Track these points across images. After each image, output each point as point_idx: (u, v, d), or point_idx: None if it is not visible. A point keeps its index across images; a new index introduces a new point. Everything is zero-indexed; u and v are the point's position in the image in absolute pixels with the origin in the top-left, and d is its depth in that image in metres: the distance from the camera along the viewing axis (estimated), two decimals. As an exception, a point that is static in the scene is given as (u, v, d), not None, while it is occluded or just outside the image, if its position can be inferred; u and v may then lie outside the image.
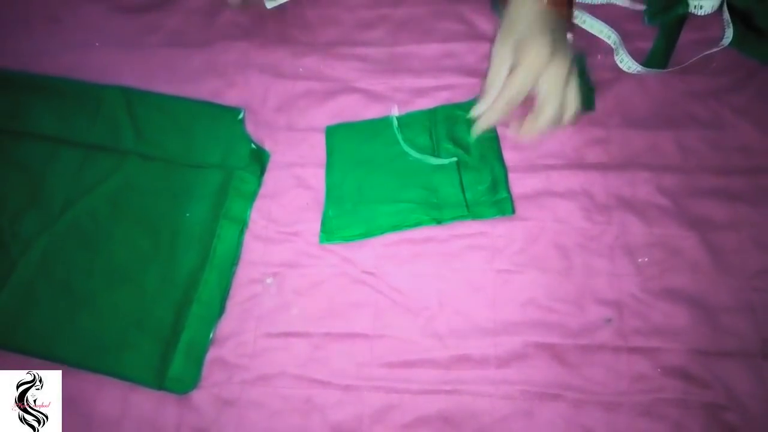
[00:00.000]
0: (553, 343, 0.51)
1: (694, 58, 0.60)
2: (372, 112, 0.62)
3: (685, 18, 0.63)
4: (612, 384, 0.50)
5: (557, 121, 0.54)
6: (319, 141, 0.61)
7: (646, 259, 0.54)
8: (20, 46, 0.69)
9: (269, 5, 0.65)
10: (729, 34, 0.61)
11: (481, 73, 0.62)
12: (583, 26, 0.64)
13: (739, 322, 0.51)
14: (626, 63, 0.61)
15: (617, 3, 0.65)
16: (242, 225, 0.58)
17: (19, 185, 0.60)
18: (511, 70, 0.54)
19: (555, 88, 0.53)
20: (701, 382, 0.49)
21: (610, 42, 0.62)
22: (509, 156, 0.58)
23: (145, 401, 0.52)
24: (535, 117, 0.54)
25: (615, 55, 0.62)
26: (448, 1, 0.67)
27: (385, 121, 0.61)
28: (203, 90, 0.64)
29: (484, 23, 0.65)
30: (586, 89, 0.58)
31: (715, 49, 0.61)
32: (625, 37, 0.62)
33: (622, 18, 0.64)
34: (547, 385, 0.50)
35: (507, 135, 0.59)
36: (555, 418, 0.49)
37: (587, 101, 0.59)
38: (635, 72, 0.61)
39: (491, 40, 0.63)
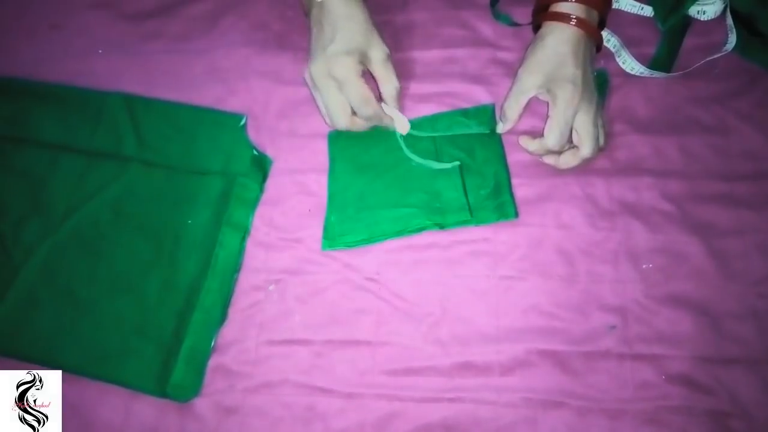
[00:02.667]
0: (556, 350, 0.51)
1: (698, 63, 0.60)
2: (374, 117, 0.62)
3: (688, 23, 0.63)
4: (616, 391, 0.50)
5: (594, 154, 0.56)
6: (321, 147, 0.61)
7: (651, 266, 0.53)
8: (22, 53, 0.69)
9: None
10: (732, 39, 0.61)
11: (483, 80, 0.62)
12: None
13: (744, 328, 0.51)
14: (629, 64, 0.61)
15: (625, 9, 0.65)
16: (244, 232, 0.57)
17: (21, 192, 0.60)
18: (536, 96, 0.57)
19: (589, 126, 0.55)
20: (706, 389, 0.49)
21: (609, 45, 0.62)
22: (513, 161, 0.58)
23: (146, 409, 0.52)
24: (574, 152, 0.56)
25: (617, 57, 0.62)
26: (450, 7, 0.67)
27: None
28: (205, 96, 0.64)
29: (486, 29, 0.65)
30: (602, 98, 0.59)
31: (718, 54, 0.61)
32: (630, 43, 0.62)
33: (626, 23, 0.64)
34: (551, 392, 0.50)
35: (510, 140, 0.59)
36: (559, 426, 0.49)
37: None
38: (638, 74, 0.61)
39: (494, 46, 0.64)
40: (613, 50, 0.62)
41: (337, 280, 0.55)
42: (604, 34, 0.62)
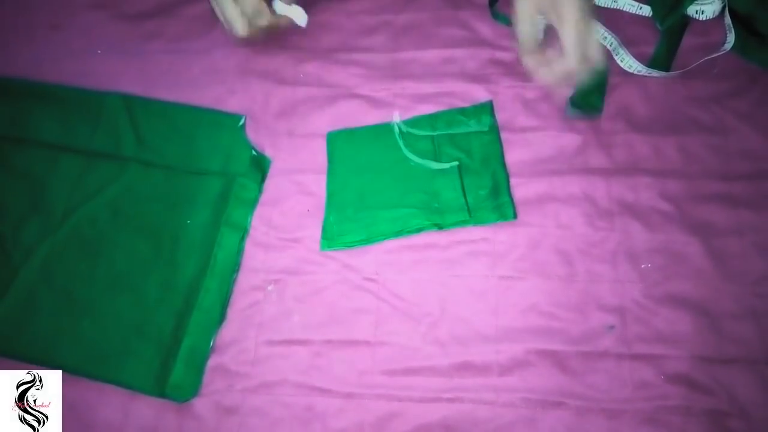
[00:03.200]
0: (555, 350, 0.51)
1: (696, 63, 0.60)
2: (373, 118, 0.62)
3: (687, 22, 0.63)
4: (615, 391, 0.49)
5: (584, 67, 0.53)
6: (320, 147, 0.61)
7: (649, 265, 0.53)
8: (22, 53, 0.69)
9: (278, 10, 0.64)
10: (730, 39, 0.61)
11: (482, 79, 0.63)
12: None
13: (743, 328, 0.51)
14: (627, 62, 0.61)
15: (624, 8, 0.65)
16: (243, 232, 0.58)
17: (21, 192, 0.60)
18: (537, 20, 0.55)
19: (583, 37, 0.52)
20: (705, 389, 0.49)
21: (606, 43, 0.62)
22: (511, 160, 0.58)
23: (145, 409, 0.52)
24: (565, 64, 0.53)
25: (615, 55, 0.62)
26: (450, 8, 0.67)
27: (386, 126, 0.61)
28: (204, 97, 0.64)
29: (484, 29, 0.65)
30: (600, 93, 0.59)
31: (715, 54, 0.61)
32: (628, 42, 0.62)
33: (624, 23, 0.64)
34: (549, 392, 0.50)
35: (509, 139, 0.59)
36: (557, 426, 0.49)
37: (596, 107, 0.59)
38: (636, 72, 0.61)
39: (493, 46, 0.64)
40: (610, 48, 0.62)
41: (336, 280, 0.55)
42: (600, 31, 0.62)
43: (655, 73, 0.60)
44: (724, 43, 0.62)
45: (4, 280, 0.56)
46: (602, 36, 0.62)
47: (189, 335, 0.53)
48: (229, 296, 0.55)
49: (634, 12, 0.65)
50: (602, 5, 0.65)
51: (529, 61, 0.56)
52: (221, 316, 0.54)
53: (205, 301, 0.55)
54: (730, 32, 0.61)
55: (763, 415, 0.48)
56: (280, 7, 0.61)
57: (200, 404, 0.52)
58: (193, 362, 0.53)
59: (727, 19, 0.61)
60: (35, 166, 0.62)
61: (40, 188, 0.60)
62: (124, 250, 0.57)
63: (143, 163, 0.61)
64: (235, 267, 0.56)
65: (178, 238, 0.57)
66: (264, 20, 0.61)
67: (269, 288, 0.55)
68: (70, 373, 0.52)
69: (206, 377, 0.52)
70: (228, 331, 0.54)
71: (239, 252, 0.57)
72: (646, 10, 0.64)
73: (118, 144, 0.62)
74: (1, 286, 0.56)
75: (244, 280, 0.56)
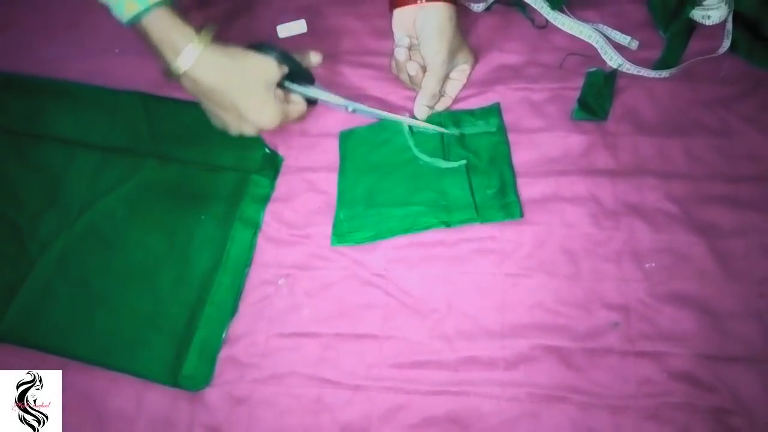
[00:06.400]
0: (560, 346, 0.52)
1: (684, 64, 0.61)
2: (384, 119, 0.63)
3: (693, 27, 0.64)
4: (618, 387, 0.50)
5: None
6: (331, 146, 0.62)
7: (654, 265, 0.54)
8: (41, 52, 0.70)
9: (281, 35, 0.68)
10: (725, 44, 0.62)
11: (489, 82, 0.64)
12: (563, 28, 0.65)
13: (747, 327, 0.51)
14: (615, 60, 0.62)
15: (613, 38, 0.65)
16: (255, 227, 0.59)
17: (38, 187, 0.62)
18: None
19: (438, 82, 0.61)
20: (708, 386, 0.50)
21: (592, 41, 0.63)
22: (518, 160, 0.59)
23: (158, 398, 0.53)
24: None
25: (603, 54, 0.63)
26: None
27: (396, 126, 0.61)
28: (219, 96, 0.65)
29: (491, 33, 0.66)
30: (607, 99, 0.60)
31: (702, 57, 0.62)
32: (639, 46, 0.63)
33: (632, 27, 0.65)
34: (554, 387, 0.50)
35: (516, 140, 0.60)
36: (561, 421, 0.49)
37: (602, 110, 0.60)
38: (617, 65, 0.62)
39: (499, 49, 0.65)
40: (597, 47, 0.63)
41: (345, 275, 0.56)
42: (586, 30, 0.64)
43: (643, 71, 0.61)
44: (720, 47, 0.62)
45: (22, 272, 0.58)
46: (588, 36, 0.63)
47: (202, 327, 0.54)
48: (241, 290, 0.56)
49: (625, 44, 0.65)
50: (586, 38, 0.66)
51: (399, 73, 0.63)
52: (233, 310, 0.55)
53: (218, 295, 0.56)
54: (727, 38, 0.62)
55: (765, 413, 0.49)
56: (284, 32, 0.63)
57: (212, 394, 0.53)
58: (206, 353, 0.54)
59: (728, 25, 0.62)
60: (53, 162, 0.63)
61: (57, 183, 0.62)
62: (139, 244, 0.58)
63: (159, 159, 0.62)
64: (247, 262, 0.57)
65: (192, 233, 0.58)
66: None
67: (280, 282, 0.56)
68: (84, 362, 0.54)
69: (218, 368, 0.53)
70: (239, 324, 0.55)
71: (251, 247, 0.58)
72: (634, 44, 0.65)
73: (134, 140, 0.63)
74: (19, 278, 0.57)
75: (255, 275, 0.57)
